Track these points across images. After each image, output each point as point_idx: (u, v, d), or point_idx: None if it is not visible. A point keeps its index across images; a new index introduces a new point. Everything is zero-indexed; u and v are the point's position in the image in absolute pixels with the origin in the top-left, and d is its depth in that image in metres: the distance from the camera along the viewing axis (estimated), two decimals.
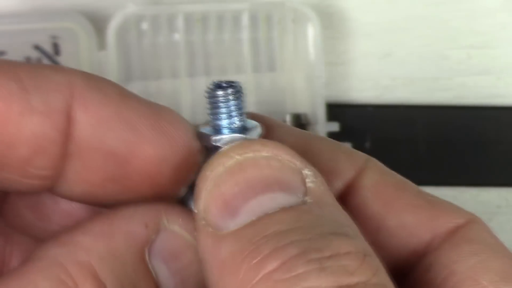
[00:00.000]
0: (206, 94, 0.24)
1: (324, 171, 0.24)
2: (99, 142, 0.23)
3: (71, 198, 0.25)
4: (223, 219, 0.22)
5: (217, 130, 0.24)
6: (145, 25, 0.44)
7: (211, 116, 0.24)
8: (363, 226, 0.24)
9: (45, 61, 0.43)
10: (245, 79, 0.44)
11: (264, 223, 0.22)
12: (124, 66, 0.44)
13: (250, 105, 0.42)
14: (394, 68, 0.47)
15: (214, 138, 0.24)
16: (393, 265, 0.24)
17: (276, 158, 0.23)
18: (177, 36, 0.44)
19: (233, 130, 0.24)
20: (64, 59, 0.43)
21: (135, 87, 0.44)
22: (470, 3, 0.47)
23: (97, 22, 0.44)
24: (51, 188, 0.24)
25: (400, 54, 0.47)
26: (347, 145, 0.42)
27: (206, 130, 0.24)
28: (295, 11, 0.45)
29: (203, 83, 0.44)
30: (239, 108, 0.24)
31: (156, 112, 0.24)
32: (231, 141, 0.24)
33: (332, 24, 0.47)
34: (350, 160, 0.26)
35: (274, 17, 0.45)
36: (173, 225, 0.24)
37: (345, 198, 0.25)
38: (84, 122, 0.23)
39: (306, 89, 0.45)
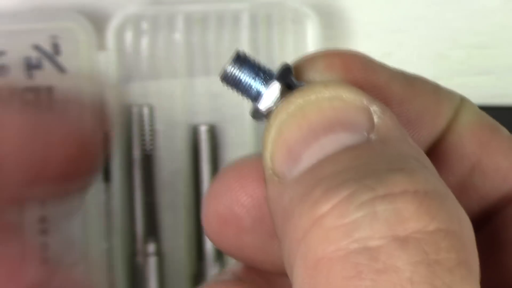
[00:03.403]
0: (224, 83, 0.24)
1: (428, 111, 0.24)
2: None
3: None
4: (287, 166, 0.21)
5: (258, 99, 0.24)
6: (145, 25, 0.44)
7: (245, 95, 0.24)
8: (458, 165, 0.24)
9: (45, 61, 0.43)
10: None
11: (322, 165, 0.21)
12: (123, 66, 0.44)
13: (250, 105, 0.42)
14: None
15: (258, 106, 0.23)
16: (482, 207, 0.24)
17: (340, 98, 0.22)
18: (177, 36, 0.44)
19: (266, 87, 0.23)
20: (64, 59, 0.43)
21: (134, 87, 0.44)
22: (470, 3, 0.47)
23: (97, 22, 0.44)
24: None
25: (400, 54, 0.47)
26: None
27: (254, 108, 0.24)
28: (295, 11, 0.45)
29: (203, 83, 0.45)
30: (257, 68, 0.24)
31: None
32: (272, 97, 0.23)
33: (332, 24, 0.47)
34: (450, 99, 0.25)
35: (274, 17, 0.45)
36: None
37: (443, 136, 0.24)
38: None
39: None
